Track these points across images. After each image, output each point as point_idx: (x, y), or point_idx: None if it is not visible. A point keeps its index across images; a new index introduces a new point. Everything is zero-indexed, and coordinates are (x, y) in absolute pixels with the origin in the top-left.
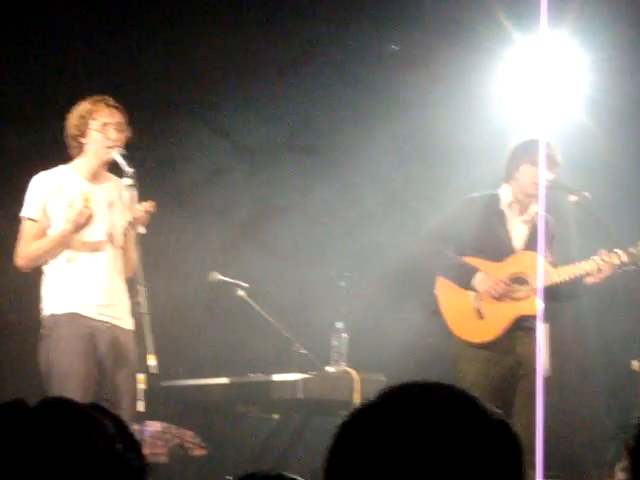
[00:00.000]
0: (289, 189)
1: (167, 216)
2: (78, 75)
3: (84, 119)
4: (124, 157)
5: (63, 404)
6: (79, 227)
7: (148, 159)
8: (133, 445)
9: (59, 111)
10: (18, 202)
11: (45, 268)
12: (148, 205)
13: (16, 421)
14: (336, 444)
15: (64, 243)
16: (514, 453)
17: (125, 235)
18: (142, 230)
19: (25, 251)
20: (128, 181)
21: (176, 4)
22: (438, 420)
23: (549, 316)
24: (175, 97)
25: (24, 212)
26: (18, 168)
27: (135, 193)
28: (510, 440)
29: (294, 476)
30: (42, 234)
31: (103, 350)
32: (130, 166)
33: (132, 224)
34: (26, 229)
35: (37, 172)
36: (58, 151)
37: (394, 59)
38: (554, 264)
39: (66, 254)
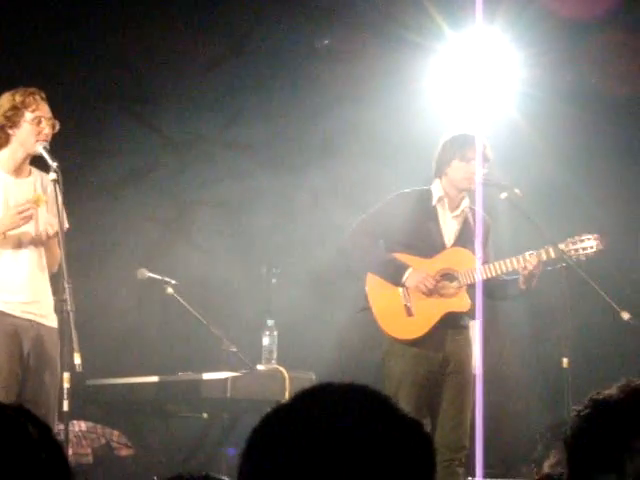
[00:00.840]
0: (219, 184)
1: (95, 211)
2: (4, 67)
3: (17, 110)
4: (47, 151)
5: None
6: (15, 227)
7: (76, 153)
8: (57, 451)
9: None
10: None
11: None
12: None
13: None
14: (248, 448)
15: None
16: (426, 454)
17: (48, 230)
18: (66, 225)
19: None
20: (53, 175)
21: None
22: (350, 421)
23: (481, 314)
24: (104, 90)
25: None
26: None
27: (59, 188)
28: (422, 441)
29: (221, 477)
30: None
31: (27, 348)
32: (54, 160)
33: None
34: None
35: None
36: None
37: (325, 53)
38: (484, 260)
39: None
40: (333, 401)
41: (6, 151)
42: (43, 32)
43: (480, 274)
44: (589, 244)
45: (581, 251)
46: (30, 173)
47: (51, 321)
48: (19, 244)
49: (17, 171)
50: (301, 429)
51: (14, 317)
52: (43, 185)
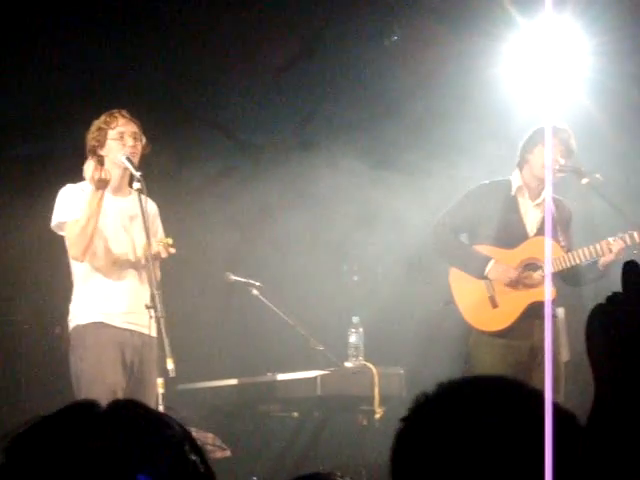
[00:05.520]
0: (296, 185)
1: (177, 218)
2: (82, 84)
3: (102, 130)
4: (130, 162)
5: (134, 406)
6: (100, 184)
7: (155, 162)
8: (199, 450)
9: (65, 120)
10: (25, 209)
11: (73, 281)
12: (166, 243)
13: (88, 422)
14: (401, 437)
15: (97, 211)
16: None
17: (147, 248)
18: (160, 234)
19: (74, 243)
20: (137, 185)
21: (176, 5)
22: (507, 414)
23: (566, 300)
24: (178, 98)
25: (65, 217)
26: (25, 176)
27: (156, 209)
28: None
29: (340, 478)
30: None
31: (129, 357)
32: (137, 170)
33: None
34: (71, 228)
35: (44, 180)
36: (64, 160)
37: (396, 49)
38: (567, 248)
39: (90, 265)
40: (489, 394)
41: None
42: (116, 47)
43: (564, 262)
44: None
45: None
46: (129, 193)
47: (152, 331)
48: (118, 258)
49: (115, 189)
50: (458, 421)
51: (115, 328)
52: (142, 205)
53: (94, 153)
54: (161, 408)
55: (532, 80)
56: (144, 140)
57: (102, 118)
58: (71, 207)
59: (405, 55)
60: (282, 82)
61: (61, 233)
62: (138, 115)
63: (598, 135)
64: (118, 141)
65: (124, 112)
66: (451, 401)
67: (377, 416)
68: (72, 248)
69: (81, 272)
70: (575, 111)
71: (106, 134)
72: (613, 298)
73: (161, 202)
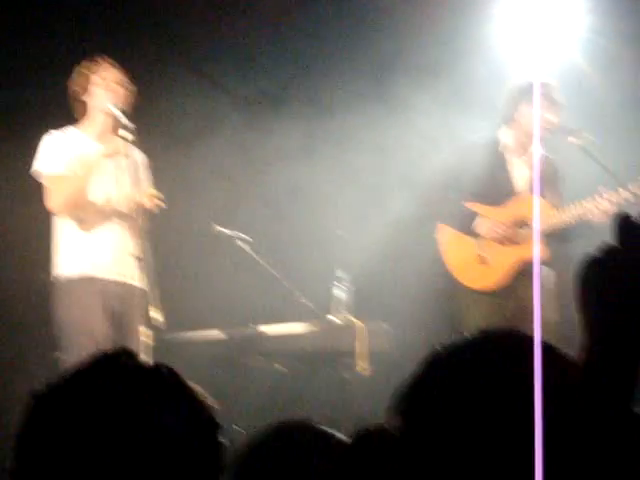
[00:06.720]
0: (286, 139)
1: (166, 169)
2: (74, 31)
3: (85, 76)
4: (120, 111)
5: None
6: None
7: (143, 113)
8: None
9: (45, 66)
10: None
11: (55, 228)
12: (151, 195)
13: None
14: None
15: (88, 179)
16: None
17: (134, 198)
18: (147, 187)
19: (56, 198)
20: (128, 135)
21: None
22: (519, 365)
23: (556, 260)
24: (169, 49)
25: (46, 168)
26: (5, 123)
27: (145, 160)
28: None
29: (321, 426)
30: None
31: (114, 307)
32: (128, 120)
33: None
34: (52, 182)
35: (26, 127)
36: (64, 106)
37: (390, 4)
38: (557, 205)
39: (74, 215)
40: (501, 345)
41: (87, 120)
42: None
43: (554, 219)
44: None
45: None
46: (114, 141)
47: (138, 281)
48: (104, 208)
49: (100, 137)
50: (471, 372)
51: (100, 278)
52: (129, 155)
53: (76, 99)
54: (146, 357)
55: (525, 38)
56: (133, 88)
57: (86, 64)
58: (54, 158)
59: (398, 12)
60: (275, 34)
61: (41, 181)
62: (124, 64)
63: (591, 94)
64: (102, 88)
65: (108, 59)
66: (463, 353)
67: (361, 371)
68: (54, 200)
69: (64, 221)
70: (568, 69)
71: (88, 79)
72: (604, 248)
73: (149, 154)
